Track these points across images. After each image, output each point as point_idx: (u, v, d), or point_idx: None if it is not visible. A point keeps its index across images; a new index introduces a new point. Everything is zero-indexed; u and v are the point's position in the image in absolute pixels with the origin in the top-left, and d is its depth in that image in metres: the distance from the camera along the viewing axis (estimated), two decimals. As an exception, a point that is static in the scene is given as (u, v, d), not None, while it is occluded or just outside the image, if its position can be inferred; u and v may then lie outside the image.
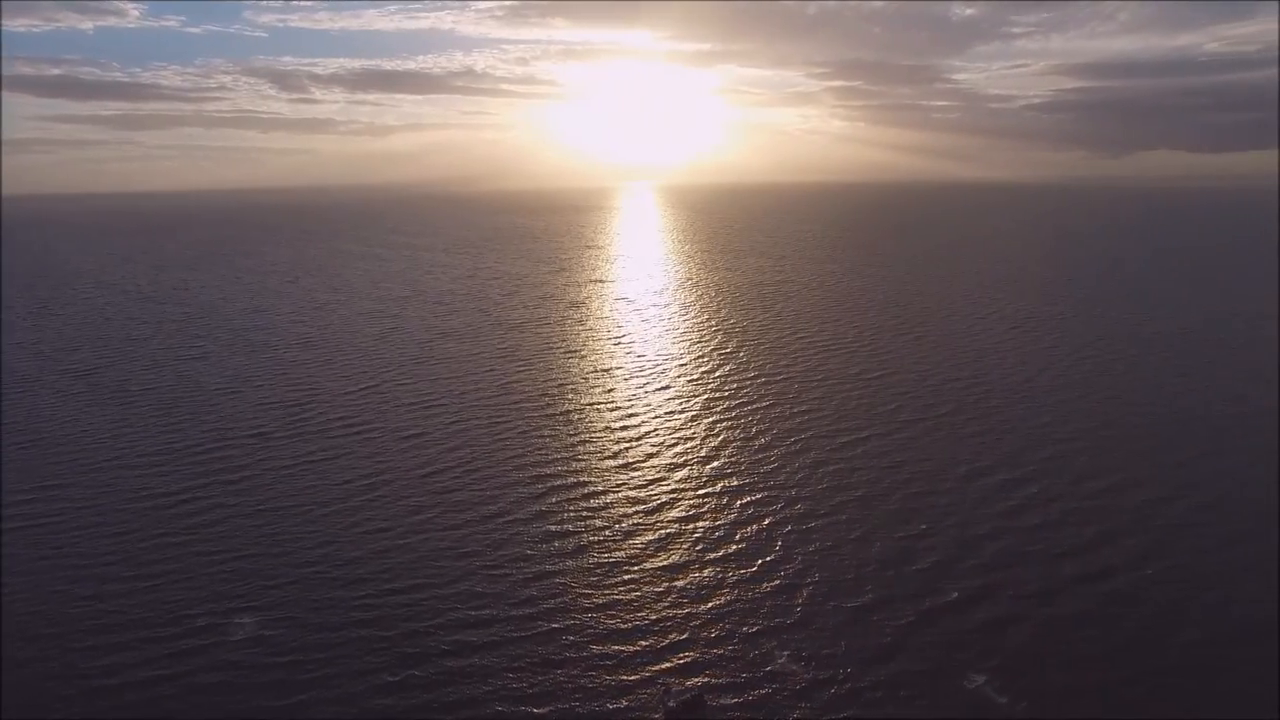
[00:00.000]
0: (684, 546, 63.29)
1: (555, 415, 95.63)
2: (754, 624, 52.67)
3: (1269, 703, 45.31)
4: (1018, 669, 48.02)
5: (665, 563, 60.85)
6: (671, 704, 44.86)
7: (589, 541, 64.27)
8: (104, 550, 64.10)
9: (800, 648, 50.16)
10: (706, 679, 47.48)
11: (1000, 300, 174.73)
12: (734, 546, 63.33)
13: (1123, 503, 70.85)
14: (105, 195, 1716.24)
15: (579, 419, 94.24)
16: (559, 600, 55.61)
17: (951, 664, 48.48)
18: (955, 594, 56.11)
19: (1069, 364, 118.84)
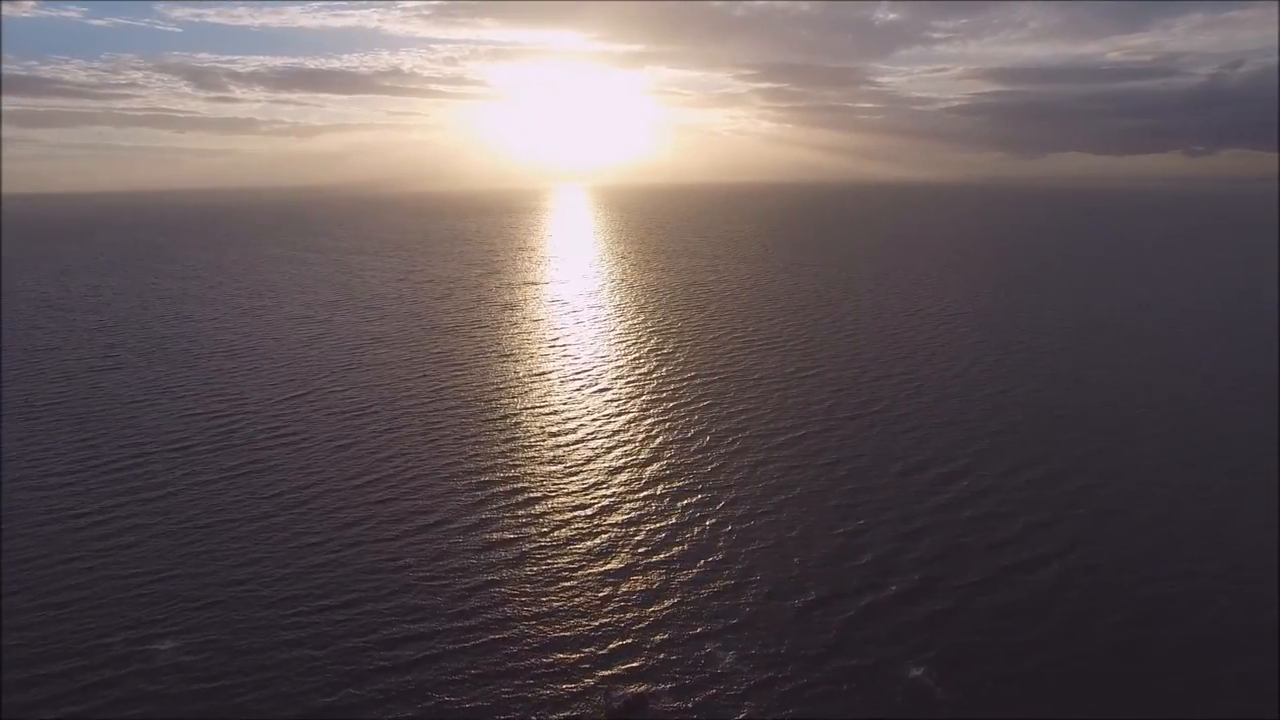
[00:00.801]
0: (625, 550, 62.86)
1: (492, 420, 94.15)
2: (697, 626, 52.56)
3: (1196, 680, 47.27)
4: (955, 659, 49.04)
5: (607, 567, 60.32)
6: (613, 705, 44.63)
7: (529, 549, 63.28)
8: (5, 580, 60.09)
9: (743, 647, 50.25)
10: (649, 683, 47.14)
11: (928, 297, 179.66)
12: (675, 549, 63.19)
13: (1050, 492, 73.32)
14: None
15: (516, 424, 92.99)
16: (499, 611, 54.51)
17: (891, 657, 49.21)
18: (894, 588, 57.07)
19: (995, 359, 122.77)
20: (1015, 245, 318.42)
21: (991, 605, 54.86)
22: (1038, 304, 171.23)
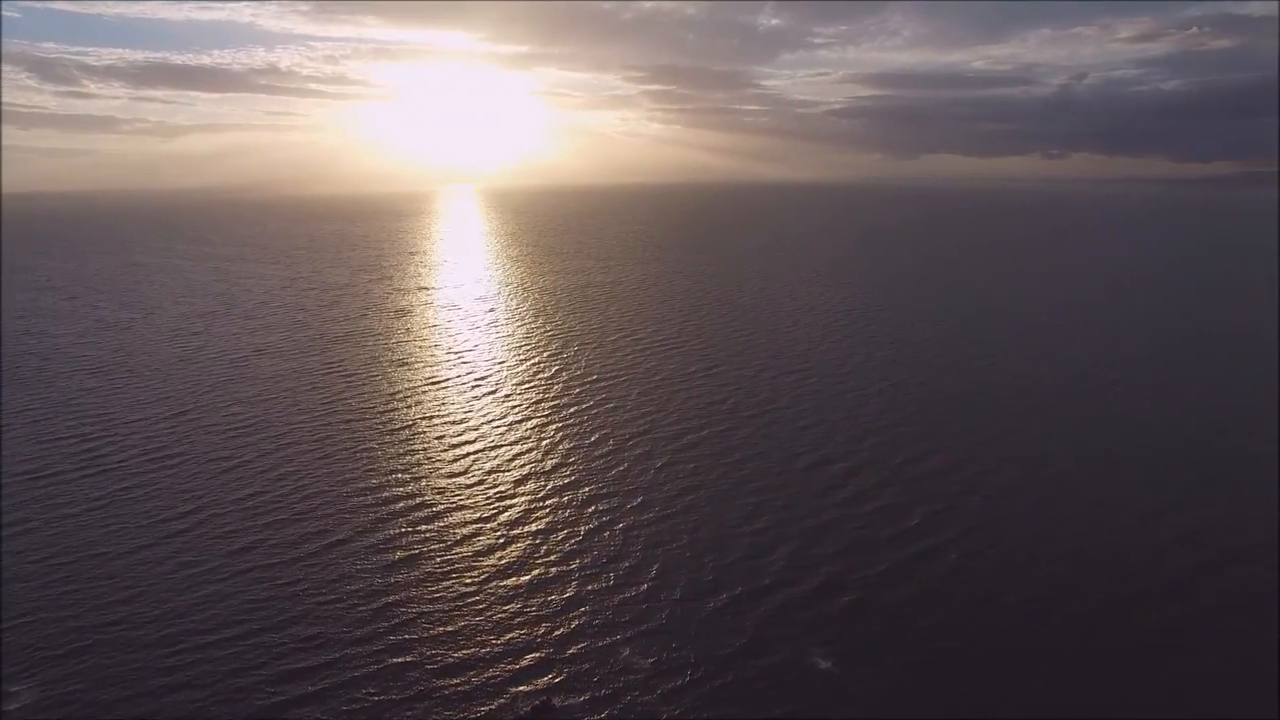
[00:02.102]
0: (534, 561, 62.69)
1: (388, 432, 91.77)
2: (609, 633, 53.02)
3: (1089, 650, 51.08)
4: (864, 651, 51.15)
5: (515, 580, 60.01)
6: (521, 711, 44.70)
7: (433, 565, 62.17)
8: None
9: (656, 651, 51.07)
10: (562, 693, 47.32)
11: (818, 294, 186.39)
12: (585, 556, 63.47)
13: (946, 480, 77.60)
14: None
15: (414, 434, 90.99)
16: (404, 633, 53.26)
17: (802, 652, 50.94)
18: (803, 583, 59.14)
19: (886, 352, 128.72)
20: (897, 242, 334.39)
21: (897, 595, 57.38)
22: (920, 298, 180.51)
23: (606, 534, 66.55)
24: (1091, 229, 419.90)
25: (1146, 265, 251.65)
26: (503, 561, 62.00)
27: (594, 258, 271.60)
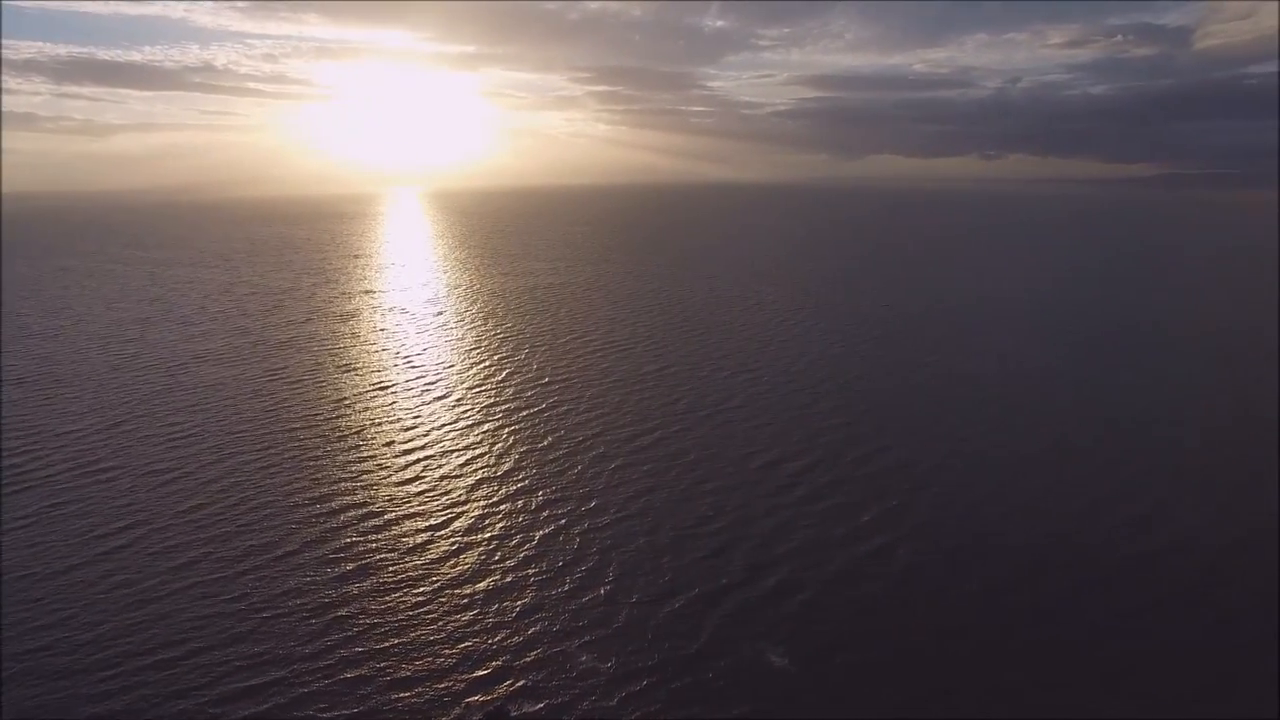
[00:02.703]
0: (488, 567, 61.89)
1: (334, 438, 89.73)
2: (565, 637, 52.64)
3: (1039, 643, 52.30)
4: (819, 649, 51.70)
5: (469, 587, 59.17)
6: (476, 718, 44.15)
7: (385, 575, 60.92)
8: None
9: (612, 654, 50.84)
10: (520, 700, 46.77)
11: (767, 293, 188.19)
12: (539, 560, 62.91)
13: (897, 477, 79.00)
14: None
15: (360, 439, 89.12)
16: (356, 646, 52.03)
17: (758, 651, 51.26)
18: (759, 583, 59.53)
19: (832, 349, 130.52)
20: (842, 241, 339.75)
21: (852, 593, 57.99)
22: (866, 296, 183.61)
23: (562, 538, 66.05)
24: (1027, 227, 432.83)
25: (1079, 262, 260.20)
26: (456, 569, 61.07)
27: (542, 259, 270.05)
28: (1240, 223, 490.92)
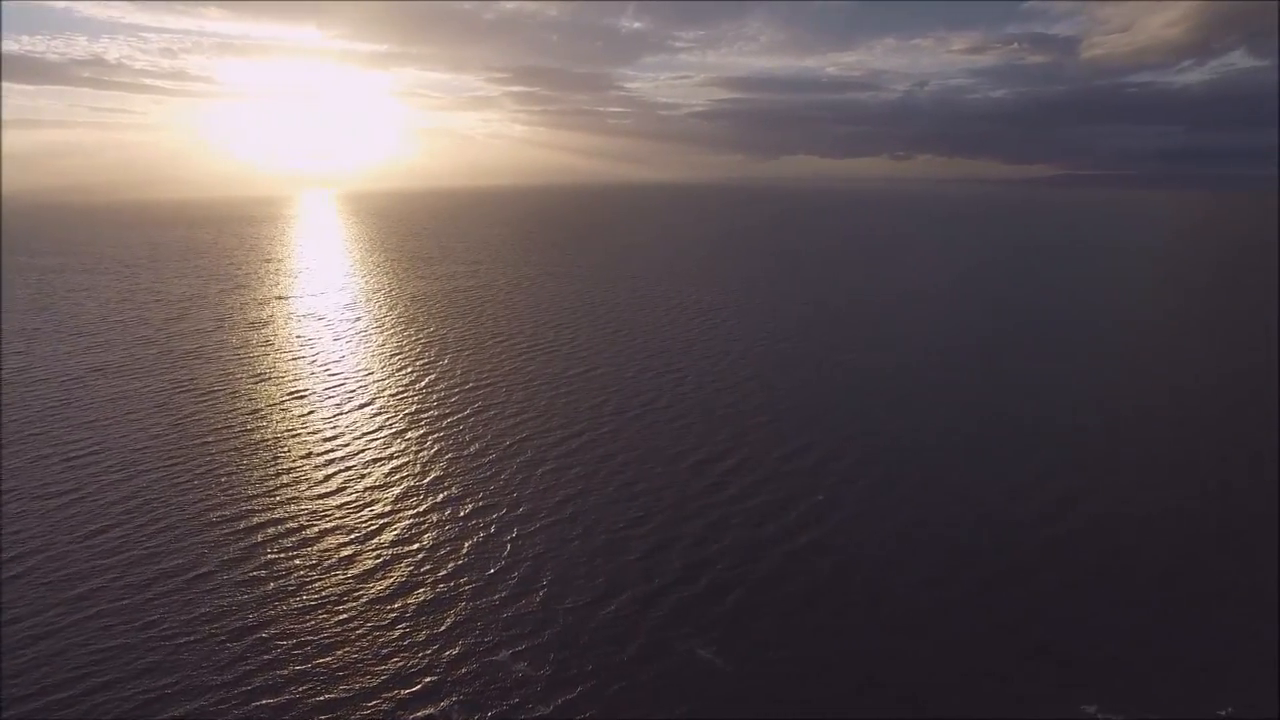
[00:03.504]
0: (417, 579, 60.29)
1: (249, 451, 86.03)
2: (499, 647, 51.72)
3: (981, 642, 53.89)
4: (748, 643, 52.32)
5: (398, 600, 57.49)
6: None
7: (304, 590, 58.65)
8: None
9: (548, 662, 50.23)
10: (453, 714, 45.68)
11: (688, 292, 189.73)
12: (466, 566, 61.68)
13: (819, 470, 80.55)
14: None
15: (277, 452, 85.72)
16: (277, 671, 49.85)
17: (692, 652, 51.46)
18: (685, 579, 59.80)
19: (755, 347, 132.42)
20: (761, 240, 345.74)
21: (784, 588, 58.82)
22: (786, 294, 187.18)
23: (492, 546, 64.93)
24: (937, 225, 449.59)
25: (987, 258, 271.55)
26: (384, 583, 59.28)
27: (462, 262, 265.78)
28: (1128, 221, 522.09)
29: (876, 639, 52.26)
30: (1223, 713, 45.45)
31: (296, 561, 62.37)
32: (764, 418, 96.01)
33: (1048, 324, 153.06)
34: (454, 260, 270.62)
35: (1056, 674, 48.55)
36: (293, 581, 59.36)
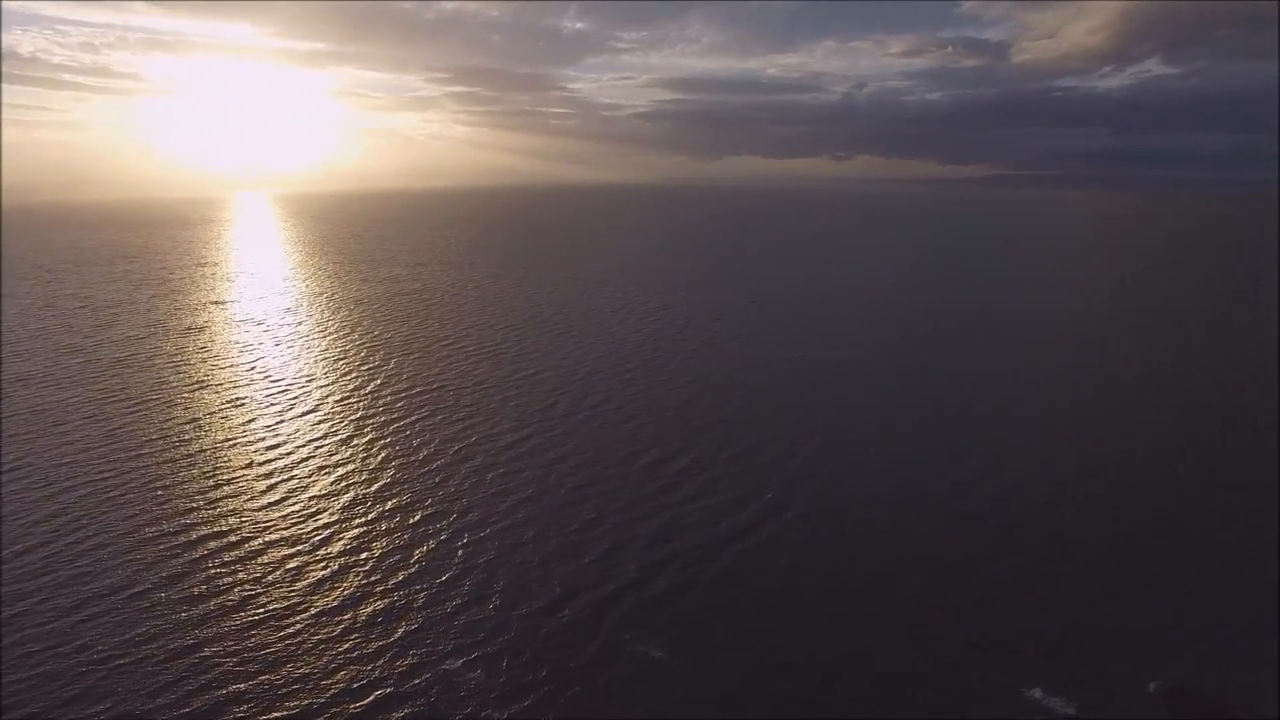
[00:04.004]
0: (367, 589, 58.89)
1: (184, 460, 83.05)
2: (453, 656, 50.87)
3: (933, 637, 54.73)
4: (693, 636, 52.50)
5: (347, 612, 56.06)
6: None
7: (246, 602, 56.80)
8: None
9: (503, 670, 49.58)
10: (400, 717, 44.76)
11: (634, 293, 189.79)
12: (411, 571, 60.53)
13: (759, 463, 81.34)
14: None
15: (217, 462, 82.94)
16: (220, 691, 48.14)
17: (639, 646, 51.45)
18: (634, 578, 59.68)
19: (703, 347, 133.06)
20: (704, 239, 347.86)
21: (738, 588, 59.12)
22: (729, 292, 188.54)
23: (444, 553, 63.84)
24: (878, 224, 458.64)
25: (926, 256, 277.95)
26: (332, 595, 57.77)
27: (405, 265, 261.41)
28: (1057, 220, 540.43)
29: (829, 636, 52.87)
30: (1151, 687, 47.26)
31: (239, 576, 60.36)
32: (714, 418, 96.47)
33: (984, 321, 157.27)
34: (397, 263, 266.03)
35: (1003, 662, 49.79)
36: (235, 597, 57.42)
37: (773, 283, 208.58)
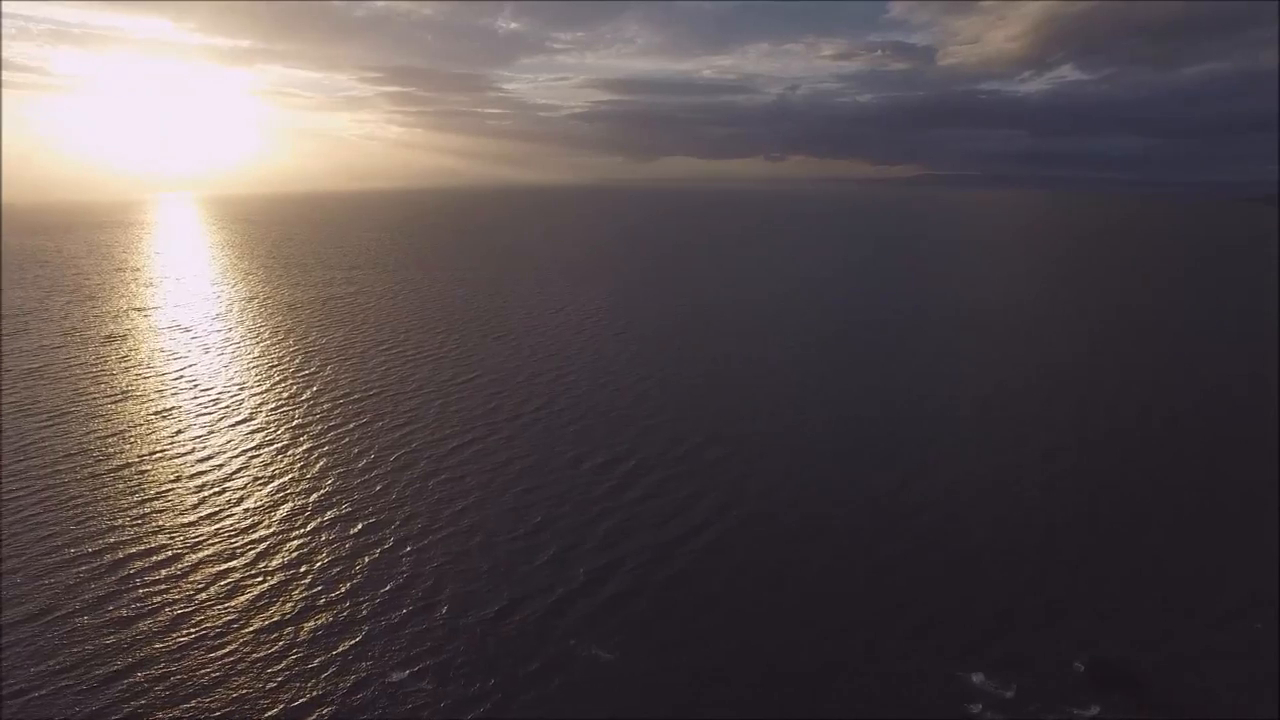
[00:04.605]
0: (307, 603, 57.05)
1: (106, 475, 79.20)
2: (399, 668, 49.65)
3: (874, 630, 55.45)
4: (643, 638, 52.38)
5: (287, 628, 54.16)
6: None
7: (176, 621, 54.42)
8: None
9: (451, 680, 48.61)
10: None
11: (571, 294, 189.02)
12: (360, 586, 58.90)
13: (699, 462, 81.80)
14: None
15: (140, 474, 79.38)
16: (146, 714, 45.99)
17: (595, 655, 50.95)
18: (582, 582, 59.22)
19: (646, 347, 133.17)
20: (642, 240, 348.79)
21: (664, 576, 59.67)
22: (666, 292, 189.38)
23: (388, 563, 62.29)
24: (814, 223, 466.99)
25: (861, 253, 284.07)
26: (272, 612, 55.75)
27: (338, 268, 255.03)
28: (982, 218, 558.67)
29: (777, 632, 53.32)
30: (1079, 664, 49.00)
31: (170, 596, 57.75)
32: (658, 419, 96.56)
33: (917, 317, 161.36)
34: (330, 267, 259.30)
35: (945, 648, 50.97)
36: (165, 618, 54.90)
37: (711, 282, 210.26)
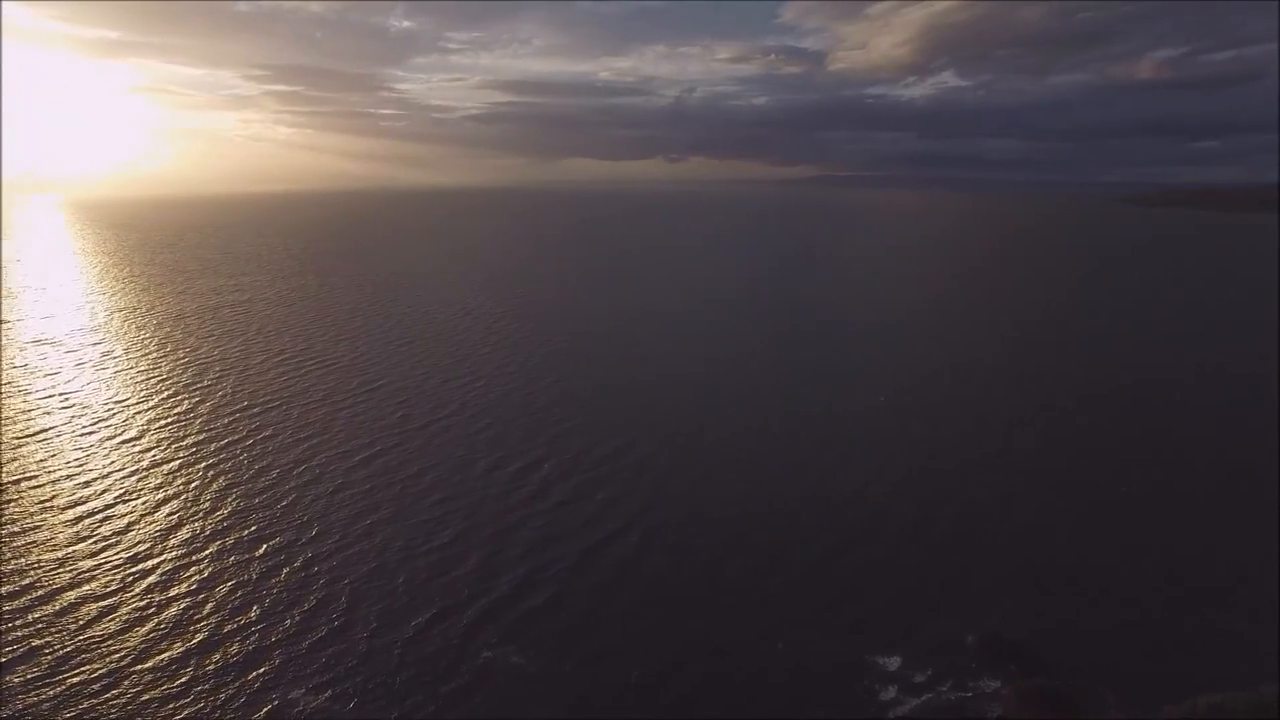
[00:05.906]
0: (186, 621, 53.19)
1: (-30, 508, 71.89)
2: (292, 682, 46.81)
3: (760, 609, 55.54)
4: (572, 646, 51.25)
5: (171, 652, 50.20)
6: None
7: (45, 654, 49.55)
8: None
9: (347, 691, 46.28)
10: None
11: (472, 298, 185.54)
12: (252, 602, 55.41)
13: (619, 465, 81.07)
14: None
15: (11, 502, 72.42)
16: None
17: (507, 662, 49.47)
18: (506, 592, 57.56)
19: (548, 349, 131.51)
20: (546, 243, 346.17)
21: (588, 582, 58.73)
22: (570, 295, 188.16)
23: (297, 583, 58.75)
24: (711, 225, 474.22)
25: (763, 254, 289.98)
26: (168, 646, 51.46)
27: (225, 275, 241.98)
28: (878, 217, 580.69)
29: (709, 634, 53.01)
30: (969, 638, 50.91)
31: (48, 639, 52.54)
32: (574, 422, 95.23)
33: (825, 315, 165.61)
34: (216, 274, 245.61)
35: (869, 643, 51.85)
36: (43, 663, 49.88)
37: (621, 284, 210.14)
